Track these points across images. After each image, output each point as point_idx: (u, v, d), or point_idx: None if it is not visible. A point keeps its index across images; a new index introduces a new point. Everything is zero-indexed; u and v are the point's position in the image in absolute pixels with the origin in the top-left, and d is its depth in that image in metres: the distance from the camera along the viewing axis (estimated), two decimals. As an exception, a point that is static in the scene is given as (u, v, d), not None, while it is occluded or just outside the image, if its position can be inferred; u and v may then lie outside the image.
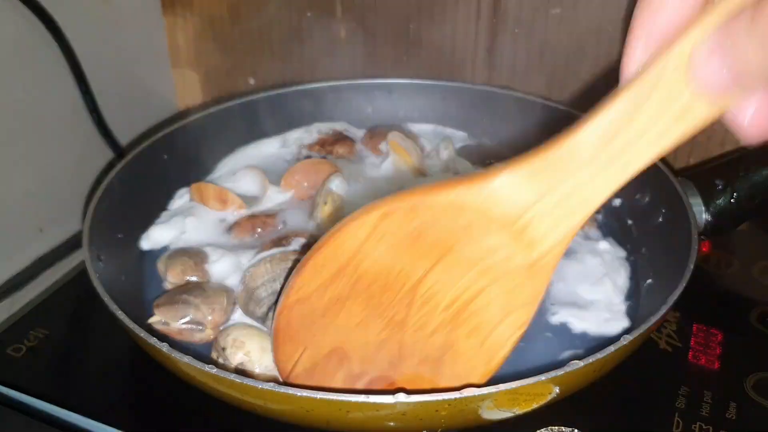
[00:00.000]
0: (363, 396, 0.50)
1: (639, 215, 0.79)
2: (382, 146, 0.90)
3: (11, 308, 0.82)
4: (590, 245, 0.76)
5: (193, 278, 0.70)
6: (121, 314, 0.57)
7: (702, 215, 0.74)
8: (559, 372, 0.51)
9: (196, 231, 0.77)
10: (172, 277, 0.70)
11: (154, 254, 0.76)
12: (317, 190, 0.80)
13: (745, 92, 0.38)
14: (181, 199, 0.82)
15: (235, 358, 0.61)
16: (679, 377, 0.67)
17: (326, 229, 0.51)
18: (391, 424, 0.53)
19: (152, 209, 0.81)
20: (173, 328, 0.65)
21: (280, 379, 0.56)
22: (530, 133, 0.93)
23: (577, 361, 0.52)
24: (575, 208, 0.45)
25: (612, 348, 0.54)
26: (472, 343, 0.51)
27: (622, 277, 0.73)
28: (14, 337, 0.71)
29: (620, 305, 0.70)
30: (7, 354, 0.69)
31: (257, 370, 0.60)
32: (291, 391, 0.50)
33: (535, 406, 0.54)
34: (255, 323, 0.65)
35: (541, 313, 0.68)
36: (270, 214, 0.79)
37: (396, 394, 0.50)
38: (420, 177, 0.84)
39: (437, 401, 0.50)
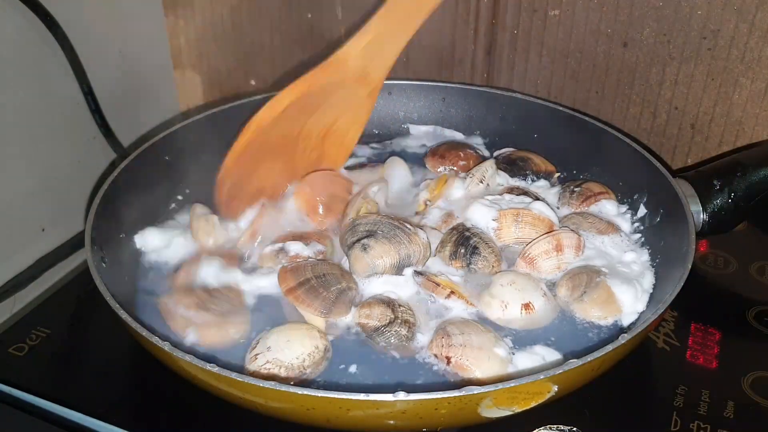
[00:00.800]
0: (363, 394, 0.50)
1: (637, 215, 0.79)
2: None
3: (13, 308, 0.82)
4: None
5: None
6: (123, 313, 0.58)
7: (700, 215, 0.74)
8: (558, 371, 0.52)
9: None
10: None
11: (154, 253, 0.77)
12: (350, 199, 0.79)
13: None
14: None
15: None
16: (677, 376, 0.67)
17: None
18: (391, 422, 0.53)
19: (154, 209, 0.82)
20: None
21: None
22: (529, 134, 0.93)
23: (575, 360, 0.53)
24: (386, 54, 0.81)
25: (610, 347, 0.54)
26: (335, 147, 0.85)
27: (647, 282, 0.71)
28: (16, 336, 0.71)
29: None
30: (9, 353, 0.69)
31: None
32: (292, 389, 0.51)
33: (533, 404, 0.55)
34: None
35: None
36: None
37: (396, 393, 0.50)
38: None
39: (437, 399, 0.51)
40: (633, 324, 0.66)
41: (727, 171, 0.76)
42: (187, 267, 0.72)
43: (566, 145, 0.89)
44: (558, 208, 0.82)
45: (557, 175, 0.88)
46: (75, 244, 0.89)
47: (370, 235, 0.70)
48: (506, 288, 0.67)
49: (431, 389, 0.51)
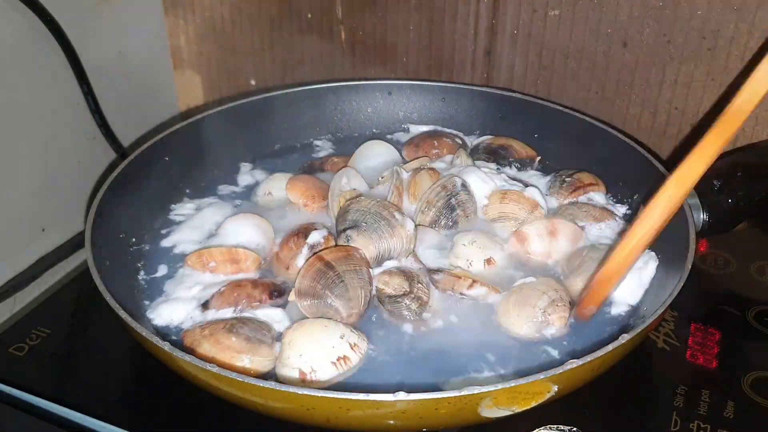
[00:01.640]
0: (363, 394, 0.50)
1: (637, 215, 0.79)
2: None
3: (13, 308, 0.83)
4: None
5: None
6: (123, 313, 0.58)
7: (699, 215, 0.74)
8: (558, 371, 0.52)
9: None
10: None
11: (156, 254, 0.77)
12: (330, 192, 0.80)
13: None
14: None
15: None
16: (677, 376, 0.67)
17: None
18: (391, 422, 0.53)
19: (154, 209, 0.82)
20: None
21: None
22: (529, 134, 0.93)
23: (575, 360, 0.53)
24: None
25: (610, 347, 0.55)
26: None
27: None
28: (16, 336, 0.71)
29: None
30: (9, 353, 0.69)
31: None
32: (292, 389, 0.51)
33: (534, 404, 0.55)
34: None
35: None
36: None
37: (396, 393, 0.50)
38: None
39: (437, 399, 0.51)
40: (623, 316, 0.67)
41: (727, 171, 0.76)
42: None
43: (566, 145, 0.89)
44: (548, 195, 0.84)
45: (538, 158, 0.90)
46: (75, 244, 0.89)
47: (355, 225, 0.71)
48: (468, 247, 0.72)
49: (431, 389, 0.51)
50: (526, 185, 0.81)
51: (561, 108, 0.90)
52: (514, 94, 0.94)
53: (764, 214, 0.80)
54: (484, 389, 0.50)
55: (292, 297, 0.66)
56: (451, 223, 0.76)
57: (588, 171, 0.85)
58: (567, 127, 0.89)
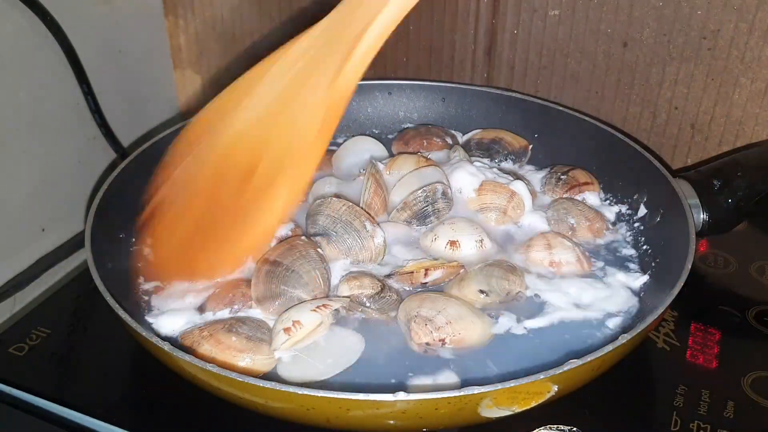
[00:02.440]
0: (363, 394, 0.50)
1: (638, 215, 0.80)
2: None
3: (13, 307, 0.83)
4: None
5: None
6: (123, 313, 0.58)
7: (699, 215, 0.74)
8: (558, 371, 0.52)
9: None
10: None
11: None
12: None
13: None
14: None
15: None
16: (677, 376, 0.67)
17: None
18: (391, 422, 0.53)
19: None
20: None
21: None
22: (529, 134, 0.93)
23: (575, 360, 0.53)
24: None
25: (610, 347, 0.54)
26: (259, 204, 0.65)
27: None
28: (16, 336, 0.71)
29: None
30: (9, 353, 0.69)
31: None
32: (291, 389, 0.51)
33: (534, 404, 0.55)
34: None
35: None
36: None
37: (396, 393, 0.50)
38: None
39: (437, 399, 0.51)
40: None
41: (727, 171, 0.76)
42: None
43: (566, 145, 0.89)
44: (543, 192, 0.85)
45: (530, 147, 0.90)
46: (75, 244, 0.89)
47: (325, 234, 0.71)
48: (443, 226, 0.74)
49: (431, 389, 0.51)
50: (517, 179, 0.82)
51: (561, 108, 0.90)
52: (514, 94, 0.94)
53: (764, 214, 0.80)
54: (484, 389, 0.50)
55: (254, 306, 0.66)
56: (423, 228, 0.76)
57: (583, 168, 0.85)
58: (567, 126, 0.89)
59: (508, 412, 0.54)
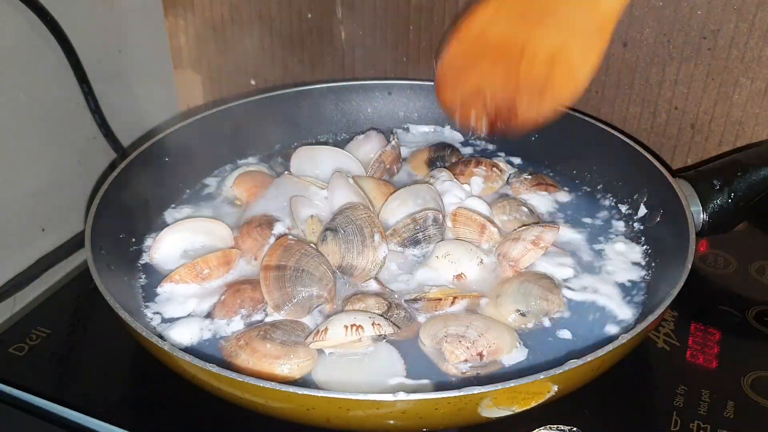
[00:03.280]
0: (363, 394, 0.50)
1: (638, 215, 0.80)
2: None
3: (13, 308, 0.83)
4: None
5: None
6: (123, 313, 0.58)
7: (700, 215, 0.74)
8: (558, 371, 0.52)
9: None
10: None
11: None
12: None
13: None
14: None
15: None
16: (677, 376, 0.67)
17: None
18: (391, 422, 0.53)
19: (153, 209, 0.82)
20: None
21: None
22: (529, 134, 0.93)
23: (575, 360, 0.53)
24: None
25: (610, 347, 0.55)
26: (563, 78, 0.74)
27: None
28: (16, 336, 0.71)
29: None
30: (9, 353, 0.69)
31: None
32: (291, 389, 0.51)
33: (534, 404, 0.55)
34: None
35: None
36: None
37: (396, 393, 0.50)
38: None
39: (437, 399, 0.51)
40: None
41: (727, 171, 0.76)
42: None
43: (566, 145, 0.89)
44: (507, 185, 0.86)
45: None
46: (75, 244, 0.89)
47: (335, 229, 0.71)
48: (441, 260, 0.71)
49: (431, 389, 0.51)
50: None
51: (561, 107, 0.90)
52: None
53: (764, 214, 0.80)
54: (484, 389, 0.50)
55: (271, 312, 0.66)
56: (415, 250, 0.74)
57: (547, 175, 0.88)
58: (567, 126, 0.89)
59: (508, 412, 0.54)
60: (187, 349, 0.61)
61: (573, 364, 0.53)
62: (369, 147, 0.89)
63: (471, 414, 0.53)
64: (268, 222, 0.75)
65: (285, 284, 0.65)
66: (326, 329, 0.60)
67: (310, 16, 1.04)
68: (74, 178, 0.93)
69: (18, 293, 0.82)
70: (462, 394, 0.50)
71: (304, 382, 0.60)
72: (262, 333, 0.62)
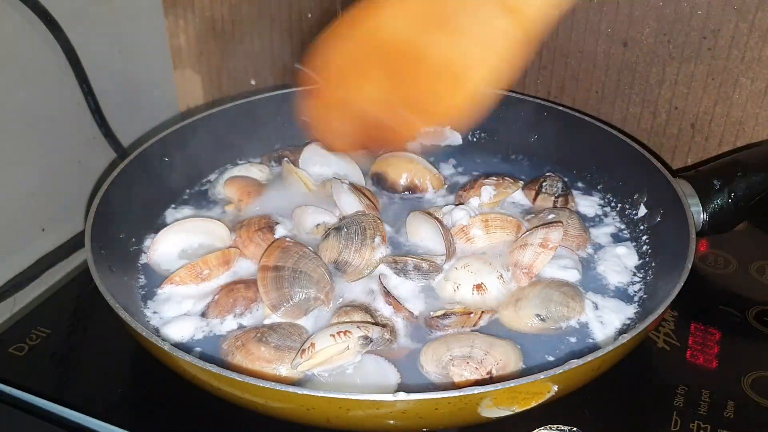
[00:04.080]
0: (363, 394, 0.50)
1: (638, 215, 0.80)
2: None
3: (13, 307, 0.83)
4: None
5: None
6: (123, 313, 0.58)
7: (700, 215, 0.74)
8: (558, 370, 0.52)
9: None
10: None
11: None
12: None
13: None
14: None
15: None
16: (678, 376, 0.67)
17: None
18: (391, 422, 0.53)
19: (153, 209, 0.82)
20: None
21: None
22: (529, 134, 0.93)
23: (575, 360, 0.53)
24: None
25: (610, 347, 0.55)
26: (456, 90, 0.67)
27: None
28: (16, 336, 0.71)
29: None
30: (9, 353, 0.69)
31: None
32: (291, 389, 0.51)
33: (534, 404, 0.55)
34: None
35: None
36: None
37: (396, 393, 0.50)
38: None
39: (437, 399, 0.51)
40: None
41: (727, 171, 0.76)
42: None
43: (566, 145, 0.89)
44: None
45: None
46: (75, 244, 0.89)
47: (339, 228, 0.71)
48: (460, 271, 0.69)
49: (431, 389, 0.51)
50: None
51: (561, 108, 0.90)
52: (513, 94, 0.94)
53: (764, 214, 0.80)
54: (484, 389, 0.50)
55: (268, 313, 0.66)
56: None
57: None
58: (567, 126, 0.89)
59: (508, 412, 0.54)
60: (183, 347, 0.61)
61: (573, 364, 0.53)
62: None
63: (471, 414, 0.53)
64: (269, 225, 0.75)
65: (283, 285, 0.65)
66: (312, 344, 0.58)
67: (310, 16, 1.04)
68: (74, 178, 0.93)
69: (18, 293, 0.82)
70: (462, 394, 0.50)
71: (305, 382, 0.60)
72: (259, 335, 0.62)
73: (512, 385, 0.51)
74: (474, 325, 0.65)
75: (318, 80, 0.71)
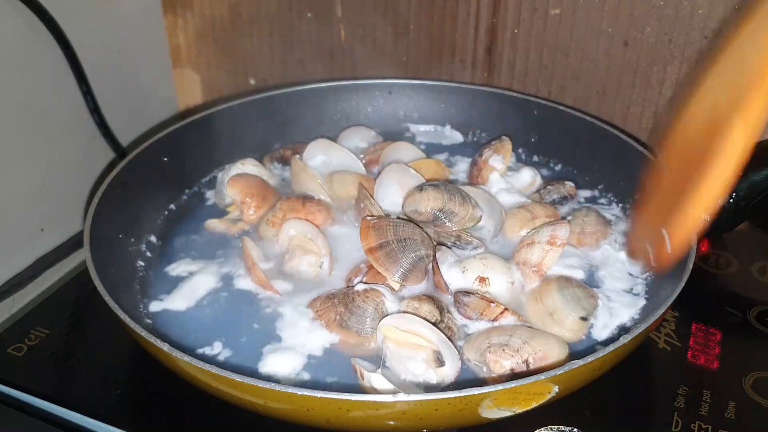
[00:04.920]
0: (364, 395, 0.50)
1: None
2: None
3: (12, 308, 0.82)
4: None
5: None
6: (122, 314, 0.58)
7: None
8: (559, 371, 0.52)
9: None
10: None
11: (155, 254, 0.77)
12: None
13: None
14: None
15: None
16: (679, 377, 0.67)
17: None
18: (391, 422, 0.53)
19: (153, 209, 0.82)
20: None
21: None
22: (530, 133, 0.93)
23: (576, 361, 0.53)
24: None
25: (611, 347, 0.54)
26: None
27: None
28: (15, 336, 0.71)
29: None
30: (8, 353, 0.69)
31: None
32: (291, 390, 0.50)
33: (534, 405, 0.54)
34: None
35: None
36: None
37: (396, 394, 0.50)
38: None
39: (437, 400, 0.50)
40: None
41: (728, 171, 0.76)
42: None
43: (567, 145, 0.89)
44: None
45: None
46: (74, 244, 0.89)
47: (435, 185, 0.75)
48: (475, 260, 0.70)
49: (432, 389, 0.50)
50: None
51: (562, 107, 0.90)
52: (514, 94, 0.94)
53: (765, 214, 0.79)
54: (484, 390, 0.50)
55: (395, 285, 0.68)
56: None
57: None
58: (567, 126, 0.89)
59: (508, 413, 0.54)
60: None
61: (574, 364, 0.52)
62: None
63: (471, 415, 0.53)
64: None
65: (398, 257, 0.67)
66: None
67: (310, 15, 1.04)
68: (74, 178, 0.93)
69: (17, 293, 0.82)
70: (462, 394, 0.50)
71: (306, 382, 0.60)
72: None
73: (513, 385, 0.51)
74: (494, 319, 0.65)
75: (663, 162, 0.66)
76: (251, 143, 0.93)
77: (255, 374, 0.61)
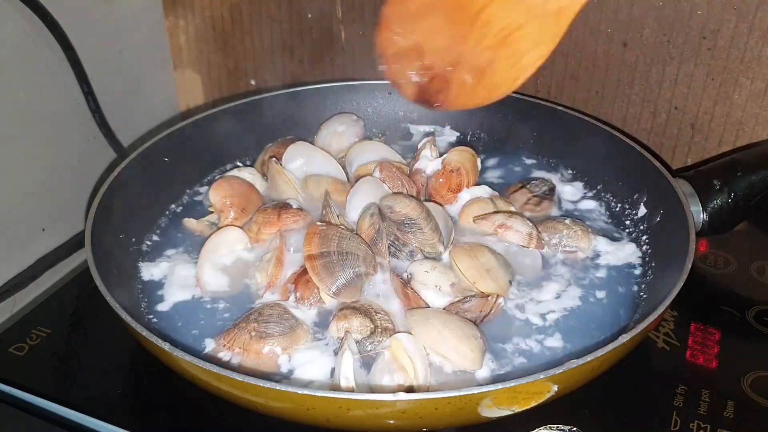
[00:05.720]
0: (363, 394, 0.50)
1: (638, 215, 0.80)
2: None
3: (13, 308, 0.83)
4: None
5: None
6: (123, 313, 0.58)
7: (699, 215, 0.74)
8: (558, 370, 0.52)
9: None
10: None
11: (155, 254, 0.77)
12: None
13: None
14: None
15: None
16: (677, 376, 0.67)
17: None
18: (391, 421, 0.53)
19: (154, 209, 0.82)
20: None
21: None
22: (529, 134, 0.93)
23: (575, 360, 0.53)
24: None
25: (610, 346, 0.55)
26: (508, 63, 0.68)
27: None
28: (16, 336, 0.71)
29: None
30: (9, 353, 0.69)
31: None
32: (291, 389, 0.51)
33: (534, 404, 0.55)
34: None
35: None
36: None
37: (396, 393, 0.50)
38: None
39: (437, 399, 0.51)
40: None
41: (726, 171, 0.76)
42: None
43: (566, 145, 0.89)
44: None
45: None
46: (75, 244, 0.89)
47: (420, 201, 0.75)
48: (431, 273, 0.69)
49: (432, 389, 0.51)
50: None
51: (560, 108, 0.90)
52: (513, 94, 0.94)
53: (764, 214, 0.80)
54: (484, 389, 0.50)
55: (326, 298, 0.67)
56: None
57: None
58: (566, 127, 0.89)
59: (508, 412, 0.54)
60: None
61: (573, 363, 0.53)
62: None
63: (471, 414, 0.53)
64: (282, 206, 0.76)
65: (335, 269, 0.66)
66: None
67: (310, 16, 1.04)
68: (74, 178, 0.93)
69: (18, 293, 0.82)
70: (462, 394, 0.50)
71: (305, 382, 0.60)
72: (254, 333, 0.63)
73: (512, 384, 0.51)
74: (491, 310, 0.65)
75: (392, 15, 0.72)
76: (251, 143, 0.93)
77: (255, 373, 0.61)
